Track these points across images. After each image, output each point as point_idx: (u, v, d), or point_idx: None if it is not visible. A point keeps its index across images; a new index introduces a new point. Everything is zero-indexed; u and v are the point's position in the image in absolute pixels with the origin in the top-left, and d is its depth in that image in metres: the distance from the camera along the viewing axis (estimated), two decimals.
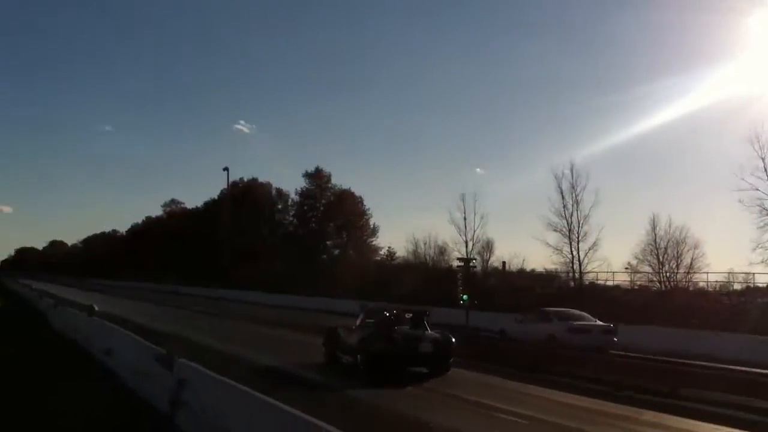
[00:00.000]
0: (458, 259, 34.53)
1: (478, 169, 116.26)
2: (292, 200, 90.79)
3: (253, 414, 6.94)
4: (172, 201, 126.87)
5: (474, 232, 54.37)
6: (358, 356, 15.95)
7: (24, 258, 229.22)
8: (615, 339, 22.13)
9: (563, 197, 46.63)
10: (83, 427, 9.08)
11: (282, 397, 7.26)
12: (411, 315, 17.94)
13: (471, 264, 32.03)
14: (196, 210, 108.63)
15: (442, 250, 60.06)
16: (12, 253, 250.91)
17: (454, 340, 16.68)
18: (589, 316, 23.76)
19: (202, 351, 18.34)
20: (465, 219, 54.01)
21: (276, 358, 17.94)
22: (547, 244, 47.78)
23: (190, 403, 8.57)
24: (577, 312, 24.20)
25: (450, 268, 56.30)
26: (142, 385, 11.03)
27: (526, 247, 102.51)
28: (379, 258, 76.72)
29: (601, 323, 23.06)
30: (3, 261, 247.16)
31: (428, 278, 54.89)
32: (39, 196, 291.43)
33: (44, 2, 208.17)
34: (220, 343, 21.43)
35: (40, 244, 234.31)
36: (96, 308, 18.87)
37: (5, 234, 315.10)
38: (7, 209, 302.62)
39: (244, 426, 6.92)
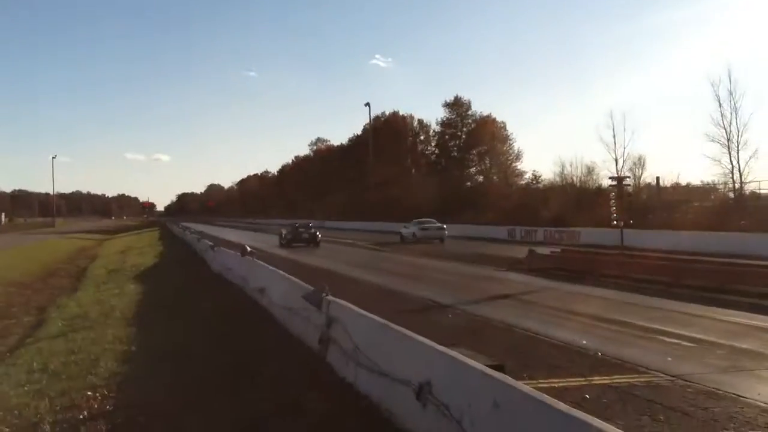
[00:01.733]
0: (610, 177, 32.88)
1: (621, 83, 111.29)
2: (434, 131, 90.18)
3: (410, 355, 6.39)
4: (318, 139, 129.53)
5: (624, 148, 51.66)
6: (284, 239, 39.28)
7: (185, 202, 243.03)
8: (445, 232, 42.80)
9: (720, 105, 43.32)
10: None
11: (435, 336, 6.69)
12: (301, 224, 41.96)
13: (624, 182, 30.27)
14: (341, 146, 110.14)
15: (590, 170, 57.62)
16: (174, 198, 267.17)
17: (319, 234, 40.07)
18: (434, 221, 44.64)
19: (352, 285, 18.32)
20: (614, 136, 51.30)
21: (433, 292, 17.43)
22: (705, 155, 44.66)
23: (340, 342, 8.20)
24: (427, 219, 45.16)
25: (599, 188, 54.21)
26: (294, 323, 10.85)
27: (681, 161, 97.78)
28: (524, 182, 75.00)
29: (437, 224, 43.69)
30: (166, 206, 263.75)
31: (577, 199, 53.02)
32: (193, 144, 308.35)
33: None
34: (372, 276, 21.26)
35: (198, 189, 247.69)
36: (248, 248, 19.02)
37: (166, 181, 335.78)
38: (165, 158, 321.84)
39: (400, 367, 6.38)
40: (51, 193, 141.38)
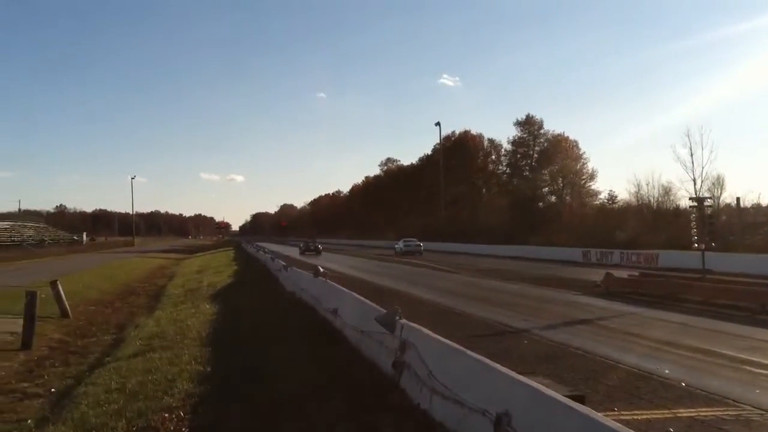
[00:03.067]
0: (690, 198, 31.88)
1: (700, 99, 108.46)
2: (505, 150, 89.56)
3: (486, 383, 6.22)
4: (388, 159, 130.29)
5: (702, 168, 50.09)
6: (301, 249, 60.82)
7: (258, 221, 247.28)
8: (421, 248, 58.04)
9: None
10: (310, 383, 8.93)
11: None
12: (311, 239, 69.19)
13: (705, 203, 29.30)
14: (412, 166, 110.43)
15: (666, 190, 56.02)
16: (248, 218, 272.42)
17: (320, 246, 63.98)
18: (415, 239, 61.36)
19: (424, 307, 18.19)
20: (692, 155, 49.81)
21: (506, 316, 17.17)
22: None
23: (414, 366, 8.08)
24: (410, 238, 62.07)
25: (677, 209, 52.74)
26: (367, 346, 10.78)
27: (761, 180, 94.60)
28: (598, 202, 73.63)
29: (416, 242, 59.91)
30: (240, 226, 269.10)
31: (653, 220, 51.70)
32: (266, 164, 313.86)
33: None
34: (444, 298, 21.08)
35: (271, 209, 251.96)
36: (321, 269, 19.10)
37: (240, 201, 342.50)
38: (239, 178, 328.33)
39: (477, 395, 6.21)
40: (130, 212, 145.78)
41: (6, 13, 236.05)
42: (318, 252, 59.73)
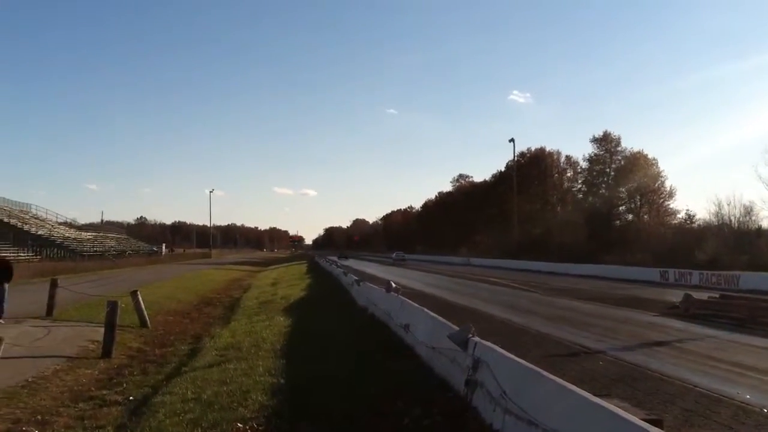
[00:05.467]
0: None
1: None
2: (581, 167, 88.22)
3: (562, 405, 6.12)
4: (460, 176, 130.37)
5: None
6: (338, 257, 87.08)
7: (331, 235, 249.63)
8: (405, 257, 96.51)
9: None
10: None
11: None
12: (343, 252, 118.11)
13: None
14: (484, 182, 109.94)
15: (748, 210, 54.28)
16: (321, 232, 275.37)
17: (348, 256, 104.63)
18: (402, 252, 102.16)
19: (497, 325, 18.04)
20: None
21: (581, 336, 16.88)
22: None
23: (486, 385, 8.00)
24: (399, 251, 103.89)
25: (759, 229, 51.07)
26: (438, 363, 10.73)
27: None
28: (676, 222, 71.71)
29: (403, 254, 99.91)
30: (314, 240, 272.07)
31: (734, 241, 50.11)
32: (339, 179, 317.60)
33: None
34: (517, 317, 20.85)
35: (344, 223, 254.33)
36: (393, 284, 19.13)
37: (313, 214, 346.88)
38: (312, 192, 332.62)
39: (551, 417, 6.12)
40: (208, 224, 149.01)
41: (87, 32, 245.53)
42: (346, 258, 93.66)
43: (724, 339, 16.30)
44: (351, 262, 75.96)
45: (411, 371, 10.89)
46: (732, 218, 55.34)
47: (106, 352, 15.51)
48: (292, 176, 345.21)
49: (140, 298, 20.99)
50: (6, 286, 19.67)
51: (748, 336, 16.66)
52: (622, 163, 79.05)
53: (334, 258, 77.53)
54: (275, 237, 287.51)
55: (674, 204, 74.80)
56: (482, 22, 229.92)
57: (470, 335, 9.21)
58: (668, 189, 75.41)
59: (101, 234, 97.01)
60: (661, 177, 75.89)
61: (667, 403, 9.02)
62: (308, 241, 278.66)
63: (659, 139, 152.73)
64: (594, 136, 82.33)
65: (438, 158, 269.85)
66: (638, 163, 76.87)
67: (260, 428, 8.07)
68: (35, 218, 78.79)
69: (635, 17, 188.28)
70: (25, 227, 69.85)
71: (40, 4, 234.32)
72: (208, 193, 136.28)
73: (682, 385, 10.39)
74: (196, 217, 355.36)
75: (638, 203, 77.02)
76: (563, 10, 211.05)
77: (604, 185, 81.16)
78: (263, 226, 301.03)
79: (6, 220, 67.97)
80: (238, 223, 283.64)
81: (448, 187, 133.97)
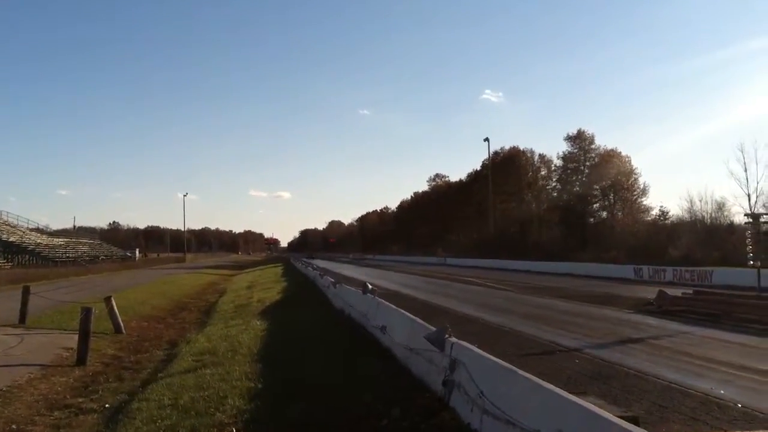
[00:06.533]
0: (745, 215, 31.13)
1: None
2: (555, 165, 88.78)
3: (538, 403, 6.14)
4: (437, 175, 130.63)
5: (757, 183, 49.04)
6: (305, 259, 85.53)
7: (307, 238, 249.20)
8: (365, 259, 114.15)
9: None
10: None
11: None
12: (310, 254, 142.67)
13: (760, 219, 28.56)
14: (460, 182, 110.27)
15: (720, 206, 54.99)
16: (296, 234, 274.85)
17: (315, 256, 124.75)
18: (362, 254, 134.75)
19: (473, 324, 18.10)
20: (746, 170, 48.81)
21: (556, 334, 16.98)
22: None
23: (464, 385, 8.02)
24: (359, 253, 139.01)
25: (731, 225, 51.68)
26: (415, 364, 10.74)
27: None
28: (650, 219, 72.36)
29: (361, 254, 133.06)
30: (289, 242, 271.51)
31: (706, 237, 50.73)
32: (313, 181, 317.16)
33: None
34: (493, 316, 20.92)
35: (320, 225, 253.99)
36: (369, 286, 19.11)
37: (288, 217, 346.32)
38: (286, 195, 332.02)
39: (528, 415, 6.14)
40: (182, 229, 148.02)
41: (57, 34, 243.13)
42: (313, 258, 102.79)
43: (699, 335, 16.49)
44: (320, 262, 75.96)
45: (388, 372, 10.89)
46: (704, 214, 56.06)
47: (81, 360, 15.34)
48: (267, 179, 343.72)
49: (114, 304, 20.80)
50: None
51: (722, 332, 16.85)
52: (596, 160, 79.65)
53: (309, 260, 77.57)
54: (250, 240, 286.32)
55: (648, 201, 75.52)
56: (452, 22, 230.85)
57: (447, 336, 9.23)
58: (641, 186, 76.09)
59: (74, 240, 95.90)
60: (635, 174, 76.58)
61: (642, 400, 9.10)
62: (284, 243, 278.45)
63: (631, 135, 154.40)
64: (568, 134, 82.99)
65: (413, 158, 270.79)
66: (612, 160, 77.48)
67: None
68: (6, 224, 77.70)
69: (604, 14, 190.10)
70: None
71: (5, 6, 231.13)
72: (182, 197, 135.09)
73: (658, 381, 10.49)
74: (170, 221, 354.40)
75: (612, 200, 77.62)
76: (531, 9, 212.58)
77: (578, 183, 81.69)
78: (238, 229, 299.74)
79: None
80: (213, 227, 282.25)
81: (424, 187, 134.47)
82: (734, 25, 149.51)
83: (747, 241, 23.82)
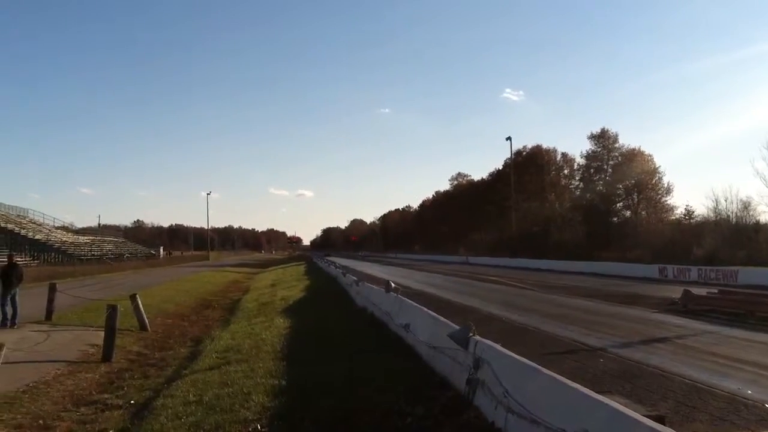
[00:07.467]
0: None
1: None
2: (578, 164, 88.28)
3: (564, 402, 6.12)
4: (459, 174, 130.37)
5: None
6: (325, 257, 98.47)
7: (329, 236, 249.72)
8: (362, 253, 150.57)
9: None
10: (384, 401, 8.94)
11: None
12: (328, 252, 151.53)
13: None
14: (482, 181, 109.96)
15: (746, 205, 54.29)
16: (318, 232, 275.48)
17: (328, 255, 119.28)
18: (368, 252, 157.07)
19: (497, 323, 18.05)
20: None
21: (580, 333, 16.89)
22: None
23: (488, 384, 8.00)
24: (366, 251, 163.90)
25: (757, 224, 51.12)
26: (439, 362, 10.74)
27: None
28: (674, 218, 71.67)
29: (367, 253, 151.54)
30: (312, 240, 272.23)
31: (732, 236, 50.15)
32: (335, 179, 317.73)
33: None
34: (517, 315, 20.84)
35: (342, 223, 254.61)
36: (392, 284, 19.12)
37: (310, 215, 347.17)
38: (308, 193, 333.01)
39: (553, 415, 6.12)
40: (205, 227, 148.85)
41: (79, 33, 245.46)
42: (327, 255, 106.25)
43: (724, 334, 16.32)
44: (342, 261, 76.41)
45: (412, 371, 10.89)
46: (730, 214, 55.36)
47: (107, 356, 15.52)
48: (288, 177, 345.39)
49: (139, 302, 21.00)
50: (17, 290, 19.80)
51: (747, 331, 16.67)
52: (620, 159, 79.06)
53: (332, 259, 77.58)
54: (273, 238, 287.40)
55: (672, 200, 74.82)
56: (471, 20, 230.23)
57: (471, 334, 9.22)
58: (665, 185, 75.41)
59: (99, 238, 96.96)
60: (659, 173, 75.92)
61: (668, 400, 9.04)
62: (306, 242, 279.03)
63: (654, 134, 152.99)
64: (591, 133, 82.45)
65: (435, 157, 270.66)
66: (635, 159, 76.87)
67: (263, 430, 8.08)
68: (32, 223, 78.73)
69: (624, 11, 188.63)
70: (23, 232, 69.80)
71: (38, 7, 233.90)
72: (205, 195, 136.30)
73: (683, 381, 10.41)
74: (193, 219, 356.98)
75: (636, 200, 76.98)
76: (551, 8, 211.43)
77: (601, 182, 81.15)
78: (261, 227, 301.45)
79: (3, 225, 67.93)
80: (236, 225, 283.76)
81: (446, 186, 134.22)
82: (757, 22, 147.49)
83: None
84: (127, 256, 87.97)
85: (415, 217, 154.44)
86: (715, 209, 56.55)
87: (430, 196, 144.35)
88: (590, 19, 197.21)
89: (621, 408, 5.29)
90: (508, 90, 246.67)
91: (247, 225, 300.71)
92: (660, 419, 5.55)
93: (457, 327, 9.97)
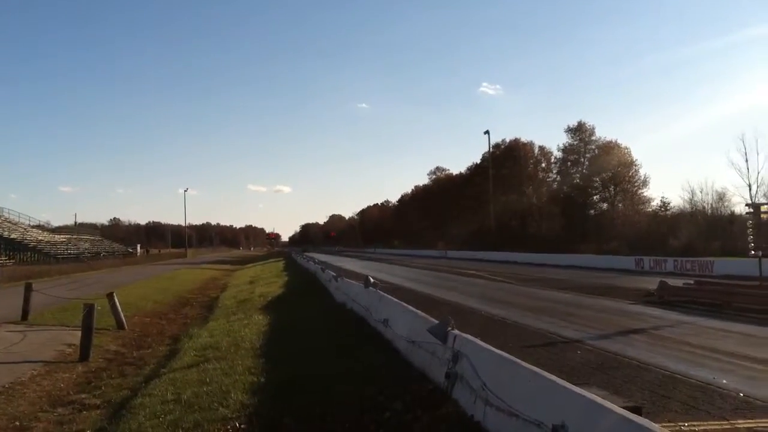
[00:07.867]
0: (747, 205, 31.05)
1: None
2: (555, 157, 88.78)
3: (542, 395, 6.15)
4: (437, 168, 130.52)
5: (758, 173, 49.06)
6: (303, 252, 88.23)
7: (308, 232, 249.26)
8: (339, 248, 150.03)
9: None
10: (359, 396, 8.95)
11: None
12: (305, 247, 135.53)
13: (761, 209, 28.55)
14: (461, 175, 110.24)
15: (720, 197, 54.98)
16: (297, 228, 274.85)
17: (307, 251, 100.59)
18: (342, 247, 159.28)
19: (475, 317, 18.12)
20: (747, 161, 48.83)
21: (558, 326, 16.99)
22: None
23: (466, 377, 8.03)
24: (341, 246, 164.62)
25: (732, 215, 51.72)
26: (418, 357, 10.75)
27: None
28: (651, 210, 72.31)
29: (342, 248, 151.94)
30: (290, 236, 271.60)
31: (707, 227, 50.76)
32: (313, 175, 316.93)
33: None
34: (495, 308, 20.92)
35: (321, 219, 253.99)
36: (371, 279, 19.10)
37: (288, 211, 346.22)
38: (286, 189, 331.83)
39: (531, 407, 6.15)
40: (183, 224, 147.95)
41: (55, 32, 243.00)
42: (305, 252, 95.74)
43: (700, 325, 16.50)
44: (320, 256, 76.48)
45: (391, 365, 10.89)
46: (705, 205, 56.06)
47: (84, 356, 15.39)
48: (266, 173, 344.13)
49: (116, 300, 20.84)
50: None
51: (723, 321, 16.88)
52: (596, 152, 79.61)
53: (311, 255, 77.42)
54: (251, 235, 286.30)
55: (648, 192, 75.48)
56: (445, 16, 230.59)
57: (449, 328, 9.24)
58: (642, 177, 76.05)
59: (75, 236, 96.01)
60: (635, 165, 76.54)
61: (644, 390, 9.12)
62: (285, 238, 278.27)
63: (630, 125, 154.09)
64: (568, 126, 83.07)
65: (413, 152, 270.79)
66: (612, 152, 77.46)
67: (242, 427, 8.05)
68: (7, 222, 77.74)
69: (598, 3, 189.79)
70: None
71: (12, 7, 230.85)
72: (183, 192, 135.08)
73: (659, 371, 10.51)
74: (171, 217, 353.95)
75: (612, 192, 77.57)
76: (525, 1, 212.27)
77: (578, 175, 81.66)
78: (239, 224, 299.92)
79: None
80: (214, 222, 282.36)
81: (425, 180, 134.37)
82: (733, 11, 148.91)
83: (748, 231, 23.85)
84: (104, 255, 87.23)
85: (394, 211, 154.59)
86: (691, 200, 57.25)
87: (409, 191, 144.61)
88: (566, 10, 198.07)
89: (598, 399, 5.33)
90: (485, 84, 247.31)
91: (225, 222, 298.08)
92: (637, 410, 5.59)
93: (436, 321, 9.98)
